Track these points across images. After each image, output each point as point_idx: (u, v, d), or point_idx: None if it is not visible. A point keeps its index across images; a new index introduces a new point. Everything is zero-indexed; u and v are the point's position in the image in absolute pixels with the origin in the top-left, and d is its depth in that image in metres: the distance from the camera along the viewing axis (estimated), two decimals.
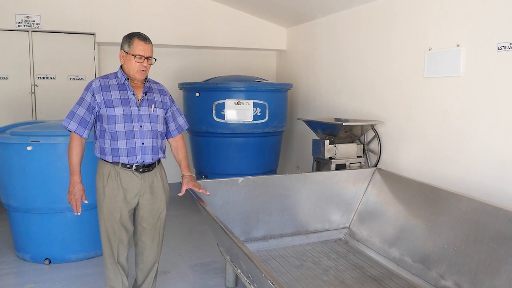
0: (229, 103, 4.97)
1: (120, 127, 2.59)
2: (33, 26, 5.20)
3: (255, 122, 5.03)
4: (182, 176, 2.89)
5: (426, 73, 3.76)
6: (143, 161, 2.66)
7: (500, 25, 3.11)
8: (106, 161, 2.65)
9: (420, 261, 2.99)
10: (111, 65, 5.93)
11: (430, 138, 3.76)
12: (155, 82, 2.84)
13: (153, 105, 2.71)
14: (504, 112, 3.11)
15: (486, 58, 3.23)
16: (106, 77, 2.69)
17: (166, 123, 2.83)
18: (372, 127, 4.38)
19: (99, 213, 2.71)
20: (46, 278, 3.46)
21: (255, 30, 6.22)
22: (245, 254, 2.15)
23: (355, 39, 4.76)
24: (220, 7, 6.01)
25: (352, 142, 4.37)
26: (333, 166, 4.23)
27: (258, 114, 5.01)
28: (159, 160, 2.81)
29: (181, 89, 5.53)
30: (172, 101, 2.88)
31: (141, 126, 2.64)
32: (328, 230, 3.76)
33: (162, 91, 2.84)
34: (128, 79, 2.66)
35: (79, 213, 2.62)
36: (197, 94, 5.17)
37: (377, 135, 4.38)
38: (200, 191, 2.92)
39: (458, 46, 3.45)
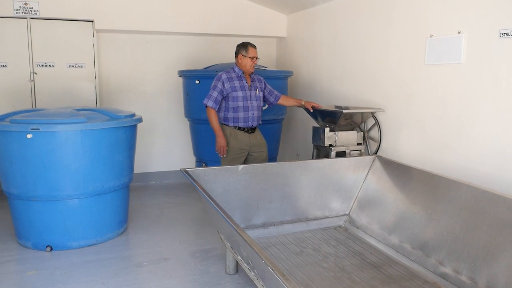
0: None
1: (240, 104, 4.07)
2: (32, 13, 5.15)
3: None
4: (304, 102, 4.40)
5: (427, 60, 3.74)
6: (252, 125, 4.16)
7: (501, 12, 3.08)
8: (227, 125, 4.11)
9: (419, 248, 3.01)
10: (110, 53, 5.89)
11: (430, 126, 3.76)
12: (255, 74, 4.29)
13: (257, 90, 4.20)
14: (505, 99, 3.10)
15: (487, 45, 3.20)
16: (228, 72, 4.11)
17: (266, 98, 4.34)
18: (372, 115, 4.37)
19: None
20: (48, 265, 3.49)
21: (255, 17, 6.16)
22: (245, 241, 2.16)
23: (356, 25, 4.72)
24: None
25: (352, 130, 4.37)
26: (333, 153, 4.23)
27: None
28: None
29: (180, 76, 5.50)
30: (265, 83, 4.33)
31: (252, 103, 4.12)
32: (328, 217, 3.78)
33: (260, 80, 4.29)
34: (243, 73, 4.13)
35: (224, 155, 4.09)
36: (197, 82, 5.15)
37: (377, 123, 4.38)
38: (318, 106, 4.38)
39: (459, 33, 3.42)
